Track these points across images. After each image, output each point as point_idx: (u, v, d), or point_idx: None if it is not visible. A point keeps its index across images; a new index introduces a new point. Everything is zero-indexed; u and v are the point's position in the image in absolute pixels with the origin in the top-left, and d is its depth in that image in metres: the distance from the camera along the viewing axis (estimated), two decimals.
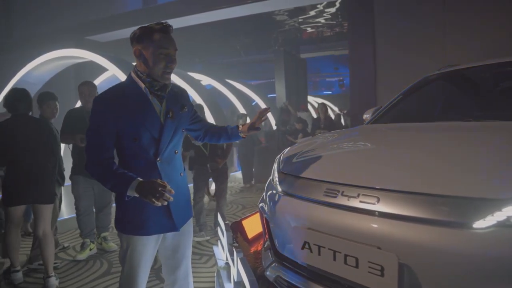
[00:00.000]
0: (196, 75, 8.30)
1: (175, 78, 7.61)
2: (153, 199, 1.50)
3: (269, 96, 12.77)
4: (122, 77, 6.09)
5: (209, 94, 8.01)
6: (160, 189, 1.51)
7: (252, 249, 3.36)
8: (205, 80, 8.81)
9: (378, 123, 2.74)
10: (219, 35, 11.60)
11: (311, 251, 1.62)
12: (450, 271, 1.24)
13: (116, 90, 1.72)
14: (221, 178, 4.93)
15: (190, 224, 2.00)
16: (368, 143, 2.03)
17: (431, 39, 6.41)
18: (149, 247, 1.81)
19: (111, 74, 6.79)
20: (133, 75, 1.75)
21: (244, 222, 3.85)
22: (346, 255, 1.48)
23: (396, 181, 1.46)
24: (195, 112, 2.05)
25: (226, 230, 3.06)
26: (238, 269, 2.39)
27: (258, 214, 4.21)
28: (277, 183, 2.03)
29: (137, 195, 1.57)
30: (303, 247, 1.66)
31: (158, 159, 1.74)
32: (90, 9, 9.84)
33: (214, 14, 9.69)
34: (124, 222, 1.78)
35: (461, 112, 2.43)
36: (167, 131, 1.75)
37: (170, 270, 1.99)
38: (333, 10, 11.00)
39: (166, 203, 1.53)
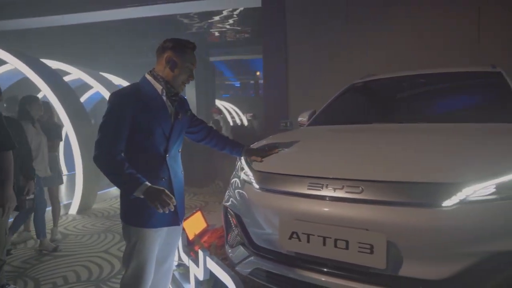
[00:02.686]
0: (107, 75, 7.89)
1: (86, 78, 7.12)
2: (159, 206, 1.65)
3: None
4: (27, 71, 5.51)
5: None
6: (166, 199, 1.66)
7: (197, 248, 3.41)
8: (116, 80, 8.41)
9: (321, 125, 3.05)
10: (125, 34, 11.13)
11: (300, 240, 1.80)
12: (426, 242, 1.54)
13: (134, 88, 1.86)
14: None
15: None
16: (330, 142, 2.29)
17: (337, 51, 7.14)
18: (156, 242, 1.87)
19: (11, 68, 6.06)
20: (149, 77, 1.89)
21: (185, 224, 3.88)
22: (336, 239, 1.69)
23: (377, 173, 1.73)
24: (194, 115, 2.20)
25: None
26: (205, 268, 2.45)
27: (195, 216, 4.26)
28: (252, 180, 2.16)
29: (142, 197, 1.67)
30: (290, 237, 1.83)
31: (167, 155, 1.87)
32: None
33: (115, 13, 9.27)
34: (133, 214, 1.82)
35: (394, 115, 2.86)
36: (176, 130, 1.92)
37: (155, 264, 2.00)
38: (236, 16, 11.37)
39: (167, 211, 1.67)
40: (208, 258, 2.42)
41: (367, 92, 3.38)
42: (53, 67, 6.76)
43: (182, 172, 2.03)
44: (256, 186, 2.12)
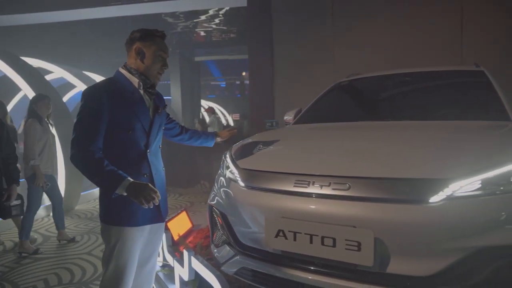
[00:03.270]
0: (91, 75, 7.75)
1: (69, 77, 6.98)
2: (143, 201, 1.57)
3: (164, 98, 12.48)
4: (6, 69, 5.38)
5: None
6: (151, 193, 1.58)
7: (182, 248, 3.36)
8: (100, 79, 8.26)
9: (307, 123, 3.03)
10: (108, 33, 10.95)
11: (286, 238, 1.77)
12: (413, 239, 1.53)
13: (109, 82, 1.78)
14: None
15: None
16: (317, 139, 2.27)
17: (322, 50, 7.14)
18: (138, 242, 1.80)
19: None
20: (123, 71, 1.82)
21: (169, 224, 3.83)
22: (323, 237, 1.67)
23: (364, 169, 1.71)
24: (167, 113, 2.16)
25: (164, 232, 3.01)
26: (190, 268, 2.41)
27: (180, 216, 4.21)
28: (238, 178, 2.12)
29: (125, 194, 1.61)
30: (277, 235, 1.80)
31: (148, 150, 1.81)
32: None
33: (100, 11, 9.09)
34: (113, 213, 1.76)
35: (380, 113, 2.87)
36: (155, 125, 1.86)
37: (137, 264, 1.92)
38: (222, 16, 11.31)
39: (152, 206, 1.61)
40: (193, 258, 2.38)
41: (352, 91, 3.37)
42: (34, 66, 6.61)
43: (164, 169, 1.98)
44: (242, 184, 2.08)
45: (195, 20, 11.61)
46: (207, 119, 9.77)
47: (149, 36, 1.79)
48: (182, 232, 4.01)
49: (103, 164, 1.62)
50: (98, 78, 8.32)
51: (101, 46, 12.59)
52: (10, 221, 4.60)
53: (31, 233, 4.11)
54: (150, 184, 1.62)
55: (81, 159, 1.64)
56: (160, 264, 3.02)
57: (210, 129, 9.03)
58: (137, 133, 1.77)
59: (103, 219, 1.80)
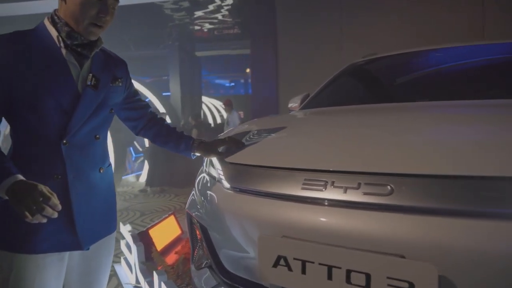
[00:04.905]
0: None
1: None
2: (26, 212, 0.95)
3: (163, 94, 11.85)
4: None
5: None
6: (41, 199, 0.97)
7: (160, 266, 2.76)
8: None
9: (316, 108, 2.40)
10: None
11: (290, 269, 1.14)
12: (507, 278, 0.90)
13: (15, 36, 1.16)
14: None
15: (109, 242, 1.40)
16: (333, 125, 1.64)
17: (329, 39, 6.61)
18: (47, 271, 1.18)
19: None
20: (46, 21, 1.21)
21: (152, 232, 3.23)
22: (349, 271, 1.04)
23: (415, 163, 1.07)
24: (136, 94, 1.51)
25: (136, 244, 2.40)
26: None
27: (167, 221, 3.60)
28: (222, 177, 1.50)
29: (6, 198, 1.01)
30: (276, 264, 1.17)
31: (64, 140, 1.18)
32: None
33: None
34: (4, 231, 1.17)
35: (417, 92, 2.21)
36: (85, 104, 1.21)
37: None
38: (225, 10, 10.76)
39: (45, 220, 0.98)
40: (163, 285, 1.76)
41: (375, 70, 2.73)
42: None
43: (103, 170, 1.31)
44: (226, 184, 1.46)
45: (196, 13, 11.06)
46: (213, 118, 8.42)
47: None
48: (168, 240, 3.40)
49: None
50: None
51: None
52: None
53: None
54: (42, 186, 0.99)
55: None
56: (132, 285, 2.42)
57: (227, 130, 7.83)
58: (47, 112, 1.15)
59: None
